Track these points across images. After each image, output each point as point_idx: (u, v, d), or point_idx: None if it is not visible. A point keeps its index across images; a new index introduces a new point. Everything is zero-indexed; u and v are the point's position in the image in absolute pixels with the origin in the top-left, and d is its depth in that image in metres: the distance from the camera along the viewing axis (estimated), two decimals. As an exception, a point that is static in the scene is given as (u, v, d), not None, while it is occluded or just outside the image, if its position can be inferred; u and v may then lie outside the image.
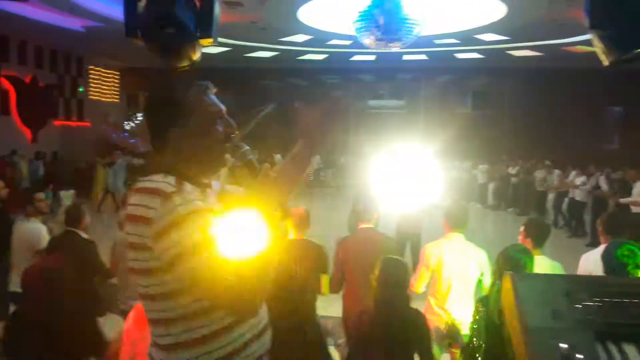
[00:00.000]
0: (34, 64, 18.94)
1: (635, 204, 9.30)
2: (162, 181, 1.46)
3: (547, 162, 15.86)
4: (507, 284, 1.36)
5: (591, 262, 3.40)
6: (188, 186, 1.49)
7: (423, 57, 22.41)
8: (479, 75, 25.24)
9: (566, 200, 12.48)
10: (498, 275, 2.72)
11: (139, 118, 25.42)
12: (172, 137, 1.53)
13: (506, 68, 24.10)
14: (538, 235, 3.62)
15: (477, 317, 2.56)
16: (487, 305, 2.56)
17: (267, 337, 1.62)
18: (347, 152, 23.81)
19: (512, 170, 16.03)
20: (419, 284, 3.87)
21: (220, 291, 1.38)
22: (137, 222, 1.43)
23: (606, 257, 2.60)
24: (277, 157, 22.84)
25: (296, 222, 3.88)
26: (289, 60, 24.33)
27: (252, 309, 1.46)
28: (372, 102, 27.03)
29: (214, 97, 1.64)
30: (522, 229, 3.72)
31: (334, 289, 3.92)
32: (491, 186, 16.73)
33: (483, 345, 2.32)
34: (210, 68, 25.55)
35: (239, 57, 23.86)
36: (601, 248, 3.35)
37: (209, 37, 2.53)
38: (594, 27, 2.01)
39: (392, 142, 26.66)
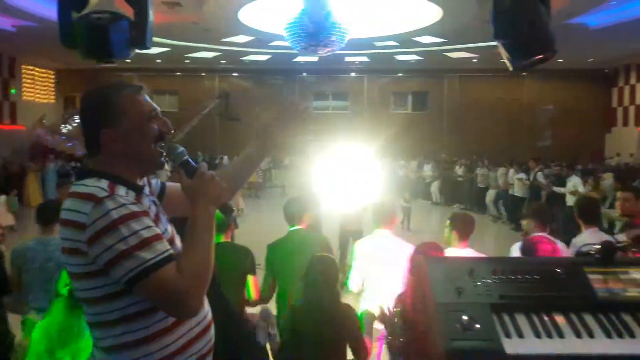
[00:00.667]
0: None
1: (572, 193, 9.92)
2: (94, 185, 1.46)
3: (485, 160, 16.66)
4: (420, 266, 1.53)
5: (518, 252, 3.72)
6: (121, 189, 1.49)
7: (364, 58, 22.89)
8: (418, 77, 26.04)
9: (505, 195, 13.19)
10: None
11: (76, 120, 24.52)
12: (104, 138, 1.53)
13: (444, 69, 25.00)
14: (462, 228, 3.80)
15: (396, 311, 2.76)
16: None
17: (211, 334, 1.64)
18: (293, 153, 23.93)
19: (458, 170, 16.69)
20: (353, 282, 3.94)
21: (157, 293, 1.41)
22: (71, 227, 1.44)
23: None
24: (225, 158, 22.69)
25: (219, 225, 3.83)
26: (232, 60, 24.19)
27: (192, 309, 1.46)
28: (316, 103, 27.30)
29: (147, 98, 1.62)
30: (447, 222, 3.89)
31: (265, 293, 3.86)
32: (436, 184, 17.36)
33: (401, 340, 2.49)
34: (152, 69, 25.29)
35: (180, 58, 23.50)
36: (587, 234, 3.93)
37: (144, 45, 2.55)
38: (498, 36, 2.24)
39: (336, 142, 26.91)
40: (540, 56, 2.23)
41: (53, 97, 25.25)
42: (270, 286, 3.86)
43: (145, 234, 1.42)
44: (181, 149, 1.63)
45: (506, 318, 1.36)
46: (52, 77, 25.14)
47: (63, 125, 23.84)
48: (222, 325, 2.72)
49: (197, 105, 23.48)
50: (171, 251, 1.46)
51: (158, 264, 1.40)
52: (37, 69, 23.26)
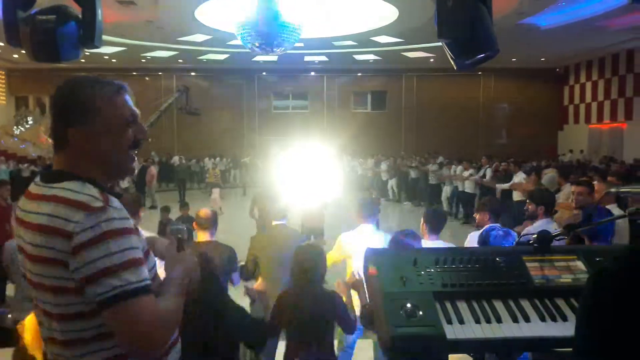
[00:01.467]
0: None
1: (512, 188, 10.52)
2: (85, 193, 1.35)
3: (440, 158, 17.05)
4: (368, 255, 1.58)
5: (474, 241, 3.97)
6: (115, 201, 1.39)
7: (324, 58, 23.01)
8: (377, 76, 26.36)
9: (456, 192, 13.59)
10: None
11: (29, 122, 23.74)
12: (72, 136, 1.43)
13: (402, 69, 25.38)
14: (433, 222, 4.06)
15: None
16: None
17: (178, 348, 1.59)
18: (253, 153, 23.83)
19: (411, 167, 16.97)
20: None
21: (129, 322, 1.30)
22: (52, 234, 1.31)
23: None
24: (176, 158, 22.34)
25: (203, 223, 3.97)
26: (189, 60, 23.86)
27: (156, 349, 1.36)
28: (276, 102, 27.25)
29: (129, 99, 1.54)
30: (422, 218, 4.16)
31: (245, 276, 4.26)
32: (392, 181, 17.62)
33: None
34: (107, 68, 24.69)
35: (136, 57, 23.02)
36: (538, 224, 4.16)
37: (92, 45, 2.49)
38: (441, 36, 2.32)
39: (297, 141, 27.01)
40: (482, 55, 2.32)
41: (4, 98, 24.31)
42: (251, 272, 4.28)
43: (133, 254, 1.33)
44: (183, 228, 1.71)
45: (448, 305, 1.42)
46: (2, 77, 24.21)
47: (15, 127, 23.05)
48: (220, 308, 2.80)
49: (153, 105, 23.07)
50: (149, 282, 1.37)
51: (138, 291, 1.31)
52: (-16, 70, 22.39)
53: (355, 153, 21.95)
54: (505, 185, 10.83)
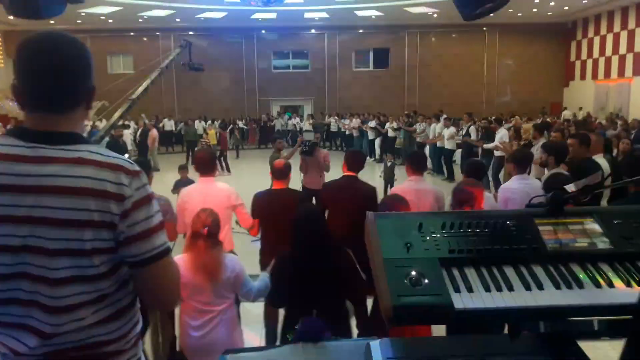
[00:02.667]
0: None
1: (496, 148, 10.64)
2: (119, 157, 1.40)
3: (422, 116, 17.03)
4: (370, 219, 1.48)
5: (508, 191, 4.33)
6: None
7: (324, 14, 22.45)
8: (379, 33, 25.74)
9: (436, 149, 13.79)
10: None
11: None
12: (90, 95, 1.45)
13: (404, 25, 24.78)
14: (415, 164, 4.38)
15: None
16: None
17: None
18: (247, 115, 23.60)
19: (391, 126, 16.79)
20: None
21: (166, 277, 1.46)
22: (99, 197, 1.31)
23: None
24: (166, 121, 22.07)
25: (279, 174, 4.40)
26: (187, 19, 23.33)
27: (179, 299, 1.59)
28: (276, 62, 26.76)
29: None
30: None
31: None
32: (377, 141, 17.45)
33: None
34: (104, 29, 24.19)
35: (133, 17, 22.51)
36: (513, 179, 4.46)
37: (77, 2, 2.34)
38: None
39: (297, 101, 26.78)
40: (490, 4, 2.16)
41: (2, 61, 23.92)
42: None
43: (161, 216, 1.45)
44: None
45: (455, 272, 1.33)
46: None
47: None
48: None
49: (152, 65, 22.70)
50: None
51: (169, 249, 1.44)
52: (-20, 33, 21.93)
53: (358, 112, 21.59)
54: (490, 145, 10.98)
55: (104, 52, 25.46)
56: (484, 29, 24.31)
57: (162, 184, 11.21)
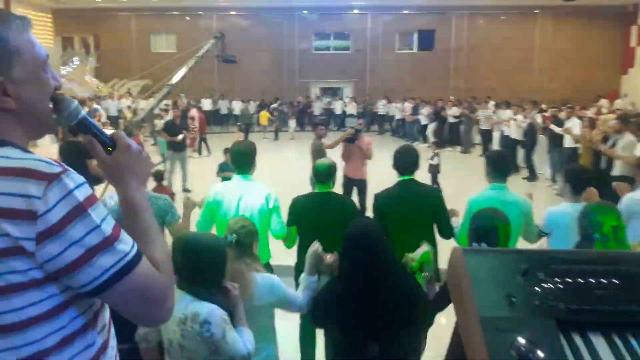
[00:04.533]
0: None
1: (566, 131, 9.56)
2: (31, 158, 1.04)
3: (491, 102, 16.11)
4: (456, 257, 1.15)
5: (560, 216, 3.42)
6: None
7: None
8: (424, 14, 24.87)
9: (500, 137, 12.95)
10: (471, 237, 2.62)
11: (75, 62, 23.86)
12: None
13: (452, 6, 23.85)
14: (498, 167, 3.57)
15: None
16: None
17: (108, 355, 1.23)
18: (281, 96, 23.21)
19: (454, 111, 16.07)
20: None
21: (139, 294, 1.09)
22: (5, 217, 0.99)
23: (581, 218, 2.67)
24: (204, 100, 21.98)
25: (322, 177, 3.73)
26: (229, -2, 23.14)
27: (170, 310, 1.17)
28: (317, 42, 26.30)
29: (34, 38, 1.17)
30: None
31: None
32: (431, 126, 16.73)
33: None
34: (149, 8, 24.31)
35: (176, -5, 22.49)
36: (566, 205, 3.47)
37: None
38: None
39: (338, 83, 26.43)
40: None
41: (52, 40, 24.40)
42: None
43: (111, 219, 1.09)
44: (75, 103, 1.17)
45: (578, 339, 0.99)
46: (50, 19, 24.18)
47: (62, 67, 23.19)
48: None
49: (195, 45, 22.67)
50: (134, 240, 1.13)
51: (137, 257, 1.09)
52: (32, 12, 22.28)
53: (401, 96, 20.97)
54: (558, 130, 9.98)
55: (148, 31, 25.62)
56: (536, 11, 23.15)
57: (200, 165, 11.09)
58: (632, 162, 6.73)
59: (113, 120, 16.65)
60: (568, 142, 9.68)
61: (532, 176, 11.23)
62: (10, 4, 20.28)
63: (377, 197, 3.75)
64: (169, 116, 12.95)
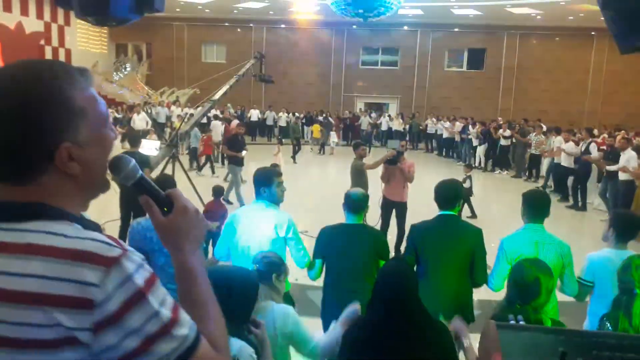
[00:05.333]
0: (20, 11, 18.20)
1: (623, 170, 9.14)
2: (89, 238, 0.95)
3: (544, 127, 15.64)
4: (489, 332, 1.10)
5: (602, 263, 3.18)
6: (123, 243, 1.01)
7: (419, 12, 21.73)
8: (475, 32, 24.54)
9: (549, 163, 12.59)
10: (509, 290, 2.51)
11: (127, 69, 24.77)
12: (62, 154, 0.98)
13: (504, 25, 23.45)
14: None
15: None
16: None
17: None
18: (327, 110, 23.25)
19: (506, 133, 15.65)
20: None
21: None
22: (51, 305, 0.89)
23: (622, 271, 2.52)
24: (253, 111, 22.23)
25: (355, 207, 3.58)
26: (280, 12, 23.48)
27: None
28: (364, 57, 26.35)
29: (96, 93, 1.07)
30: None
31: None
32: (481, 148, 16.32)
33: None
34: (201, 18, 25.00)
35: (228, 8, 23.00)
36: (608, 250, 3.22)
37: (152, 9, 2.14)
38: (606, 7, 1.68)
39: (383, 98, 26.32)
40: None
41: (106, 46, 25.45)
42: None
43: (170, 299, 1.00)
44: (133, 162, 1.09)
45: None
46: (105, 27, 25.28)
47: (114, 73, 24.11)
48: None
49: (243, 57, 23.15)
50: (194, 322, 1.04)
51: (197, 341, 0.99)
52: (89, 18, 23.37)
53: (448, 114, 20.72)
54: (614, 168, 9.45)
55: (200, 41, 26.31)
56: (593, 33, 22.46)
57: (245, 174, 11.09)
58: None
59: (160, 128, 17.12)
60: (623, 175, 9.21)
61: (581, 206, 10.78)
62: (70, 15, 21.31)
63: (413, 228, 3.59)
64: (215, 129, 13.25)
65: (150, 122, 16.17)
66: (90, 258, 0.91)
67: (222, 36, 26.18)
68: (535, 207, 3.35)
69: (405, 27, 25.45)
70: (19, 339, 0.89)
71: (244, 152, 9.57)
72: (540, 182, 13.48)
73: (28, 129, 0.94)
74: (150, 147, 8.10)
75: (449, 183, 3.71)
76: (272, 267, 2.57)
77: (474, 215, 9.16)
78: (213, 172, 12.83)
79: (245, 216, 3.49)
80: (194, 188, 8.16)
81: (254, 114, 22.82)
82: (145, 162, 6.76)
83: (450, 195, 3.57)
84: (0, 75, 0.96)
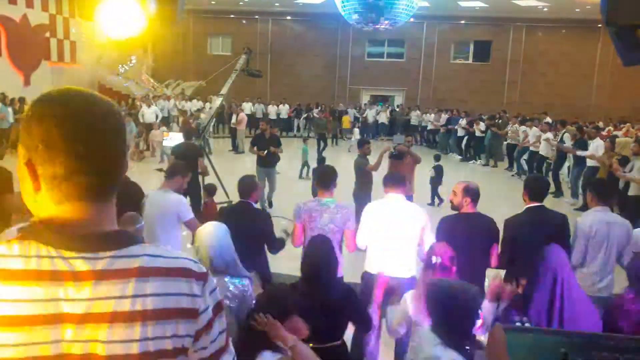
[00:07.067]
0: (25, 3, 18.23)
1: (591, 157, 9.85)
2: (181, 257, 1.03)
3: (518, 117, 16.06)
4: (495, 337, 1.20)
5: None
6: None
7: (425, 3, 21.65)
8: (482, 25, 24.42)
9: (530, 153, 13.11)
10: None
11: (132, 61, 24.79)
12: (123, 170, 1.04)
13: (510, 18, 23.34)
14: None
15: None
16: None
17: None
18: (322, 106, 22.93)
19: (480, 127, 15.83)
20: (360, 237, 3.91)
21: None
22: (173, 318, 0.97)
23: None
24: (245, 104, 21.93)
25: (472, 197, 3.78)
26: (286, 3, 23.45)
27: None
28: (370, 49, 26.26)
29: None
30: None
31: None
32: (467, 138, 16.61)
33: None
34: (204, 10, 24.96)
35: (235, 0, 23.00)
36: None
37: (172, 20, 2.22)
38: (610, 22, 1.74)
39: (389, 91, 26.13)
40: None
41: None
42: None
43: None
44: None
45: None
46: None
47: (120, 66, 24.13)
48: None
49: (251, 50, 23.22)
50: None
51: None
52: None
53: (453, 107, 20.68)
54: (584, 153, 10.15)
55: (205, 32, 26.29)
56: (599, 26, 22.30)
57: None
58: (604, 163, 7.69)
59: (165, 121, 17.24)
60: (590, 161, 10.00)
61: (559, 192, 11.39)
62: (75, 2, 21.28)
63: (507, 224, 3.88)
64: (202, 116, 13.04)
65: (160, 116, 16.33)
66: (191, 274, 1.02)
67: (227, 27, 26.14)
68: (600, 191, 3.95)
69: (412, 19, 25.32)
70: (149, 352, 0.94)
71: (266, 152, 8.63)
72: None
73: (123, 147, 1.01)
74: (176, 139, 8.53)
75: (536, 178, 4.44)
76: None
77: (434, 203, 9.49)
78: None
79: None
80: (220, 181, 8.24)
81: (247, 107, 22.19)
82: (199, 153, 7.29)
83: (540, 188, 3.96)
84: (96, 98, 1.00)
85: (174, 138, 9.01)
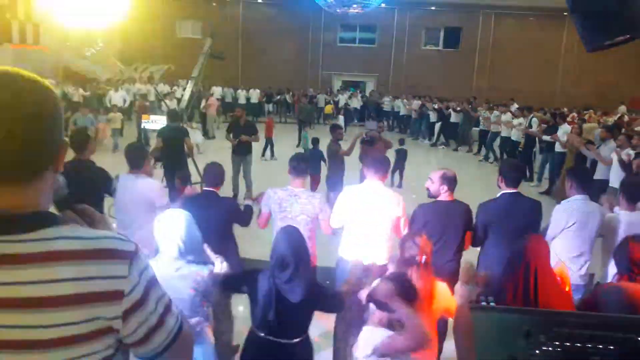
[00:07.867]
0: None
1: (554, 138, 10.08)
2: (106, 237, 1.02)
3: (515, 104, 16.09)
4: (461, 316, 1.22)
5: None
6: None
7: (396, -11, 21.69)
8: (452, 11, 24.61)
9: (502, 138, 13.20)
10: None
11: (99, 44, 24.12)
12: (61, 154, 1.04)
13: (480, 4, 23.57)
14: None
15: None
16: None
17: None
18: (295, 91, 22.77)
19: (452, 111, 16.06)
20: (335, 217, 3.84)
21: (188, 345, 1.17)
22: (92, 302, 0.96)
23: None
24: (215, 89, 21.60)
25: (449, 184, 3.72)
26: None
27: None
28: (342, 35, 26.19)
29: None
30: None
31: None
32: (438, 125, 16.80)
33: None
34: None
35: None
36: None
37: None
38: (575, 10, 1.78)
39: (361, 76, 26.03)
40: (625, 37, 1.78)
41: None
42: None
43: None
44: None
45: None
46: None
47: (87, 49, 23.46)
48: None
49: (220, 32, 22.83)
50: None
51: (182, 319, 1.17)
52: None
53: (423, 93, 20.84)
54: (547, 137, 10.43)
55: (174, 16, 25.72)
56: (565, 14, 22.72)
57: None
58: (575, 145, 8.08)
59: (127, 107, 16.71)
60: (559, 147, 10.15)
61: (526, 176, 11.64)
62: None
63: (481, 208, 3.81)
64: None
65: (128, 100, 15.97)
66: (115, 254, 1.00)
67: (197, 11, 25.64)
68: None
69: (383, 5, 25.32)
70: (62, 337, 0.94)
71: (240, 139, 8.19)
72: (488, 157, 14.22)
73: (45, 131, 0.97)
74: (160, 122, 8.65)
75: (511, 163, 4.27)
76: None
77: (393, 184, 9.49)
78: (272, 155, 12.48)
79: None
80: (196, 167, 7.83)
81: (217, 92, 21.81)
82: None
83: (516, 172, 3.88)
84: (13, 77, 0.95)
85: (157, 121, 8.99)
